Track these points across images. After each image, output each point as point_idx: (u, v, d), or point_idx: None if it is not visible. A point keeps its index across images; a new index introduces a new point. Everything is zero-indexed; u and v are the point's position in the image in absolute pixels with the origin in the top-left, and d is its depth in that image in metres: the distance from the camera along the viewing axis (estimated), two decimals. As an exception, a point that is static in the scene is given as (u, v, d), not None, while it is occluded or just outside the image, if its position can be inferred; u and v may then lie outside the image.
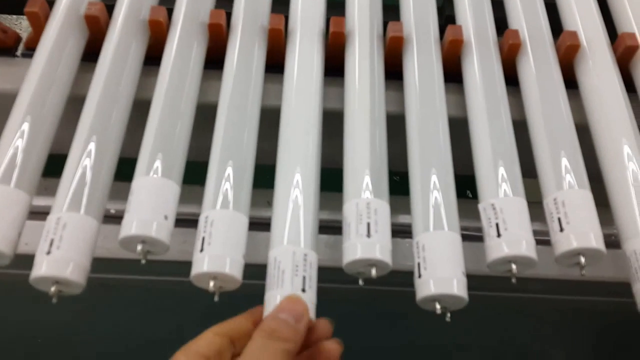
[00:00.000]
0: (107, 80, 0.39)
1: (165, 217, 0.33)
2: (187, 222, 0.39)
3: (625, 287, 0.37)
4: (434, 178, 0.37)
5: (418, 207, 0.37)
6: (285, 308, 0.30)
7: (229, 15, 0.44)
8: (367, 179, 0.37)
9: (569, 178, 0.38)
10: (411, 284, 0.35)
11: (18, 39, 0.46)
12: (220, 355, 0.29)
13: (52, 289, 0.31)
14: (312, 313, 0.31)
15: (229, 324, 0.30)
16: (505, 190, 0.37)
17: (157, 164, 0.35)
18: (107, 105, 0.38)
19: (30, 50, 0.44)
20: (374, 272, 0.34)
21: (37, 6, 0.42)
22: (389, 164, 0.39)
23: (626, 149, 0.40)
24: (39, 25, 0.42)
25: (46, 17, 0.42)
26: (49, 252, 0.31)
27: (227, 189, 0.35)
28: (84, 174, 0.35)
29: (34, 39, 0.43)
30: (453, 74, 0.45)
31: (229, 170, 0.36)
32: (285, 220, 0.34)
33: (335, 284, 0.39)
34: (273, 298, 0.31)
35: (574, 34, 0.45)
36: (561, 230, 0.36)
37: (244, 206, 0.35)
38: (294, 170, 0.37)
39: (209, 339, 0.29)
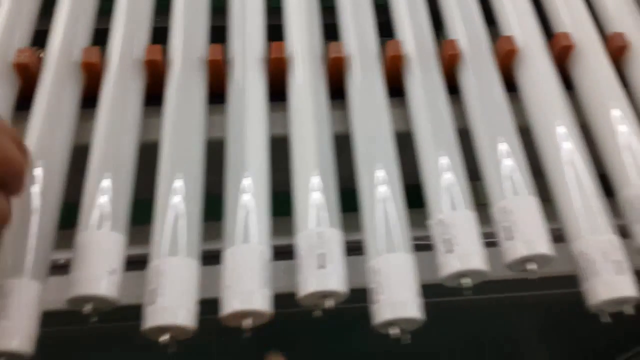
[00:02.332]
0: (43, 128, 0.38)
1: (113, 272, 0.33)
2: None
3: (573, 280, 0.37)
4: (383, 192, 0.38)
5: (371, 227, 0.37)
6: None
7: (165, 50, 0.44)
8: (319, 208, 0.36)
9: (515, 185, 0.38)
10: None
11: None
12: None
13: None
14: None
15: None
16: (453, 205, 0.37)
17: (102, 215, 0.35)
18: (44, 155, 0.37)
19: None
20: (329, 303, 0.34)
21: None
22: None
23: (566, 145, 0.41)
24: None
25: None
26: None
27: (175, 234, 0.34)
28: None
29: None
30: (397, 88, 0.45)
31: (179, 215, 0.35)
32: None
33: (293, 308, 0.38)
34: None
35: (509, 39, 0.46)
36: (510, 238, 0.36)
37: (195, 251, 0.34)
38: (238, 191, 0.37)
39: None
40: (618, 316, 0.36)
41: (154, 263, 0.33)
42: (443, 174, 0.39)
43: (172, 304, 0.31)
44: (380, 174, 0.39)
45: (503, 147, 0.40)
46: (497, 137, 0.41)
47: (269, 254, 0.35)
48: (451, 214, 0.37)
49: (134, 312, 0.36)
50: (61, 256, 0.39)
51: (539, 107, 0.43)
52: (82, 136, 0.40)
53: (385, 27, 0.49)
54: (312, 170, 0.38)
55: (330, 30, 0.49)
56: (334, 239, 0.35)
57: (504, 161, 0.40)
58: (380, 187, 0.38)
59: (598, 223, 0.37)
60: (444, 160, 0.39)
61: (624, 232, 0.38)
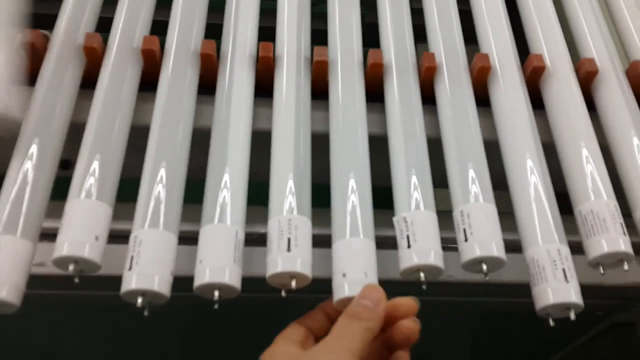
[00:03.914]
0: (43, 104, 0.41)
1: (97, 238, 0.35)
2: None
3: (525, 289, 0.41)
4: (352, 183, 0.41)
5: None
6: (365, 294, 0.35)
7: (162, 41, 0.47)
8: (291, 197, 0.39)
9: (474, 192, 0.41)
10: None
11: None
12: (306, 339, 0.35)
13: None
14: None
15: (308, 316, 0.37)
16: (417, 204, 0.40)
17: (90, 186, 0.37)
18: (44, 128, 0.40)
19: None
20: (294, 283, 0.37)
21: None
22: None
23: (529, 163, 0.44)
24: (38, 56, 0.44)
25: (44, 48, 0.45)
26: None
27: (157, 209, 0.37)
28: (20, 196, 0.37)
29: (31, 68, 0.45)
30: (376, 94, 0.48)
31: (160, 190, 0.38)
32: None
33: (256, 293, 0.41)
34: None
35: (485, 57, 0.49)
36: (466, 240, 0.39)
37: (173, 225, 0.37)
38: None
39: (298, 327, 0.35)
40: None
41: (135, 233, 0.36)
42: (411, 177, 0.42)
43: (147, 271, 0.34)
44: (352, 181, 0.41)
45: (468, 157, 0.43)
46: (466, 151, 0.44)
47: (242, 235, 0.38)
48: (415, 212, 0.40)
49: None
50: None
51: (507, 122, 0.46)
52: (80, 114, 0.43)
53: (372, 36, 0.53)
54: (288, 162, 0.41)
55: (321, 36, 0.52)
56: (303, 226, 0.38)
57: (468, 169, 0.43)
58: (351, 178, 0.41)
59: (550, 233, 0.40)
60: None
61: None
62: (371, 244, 0.38)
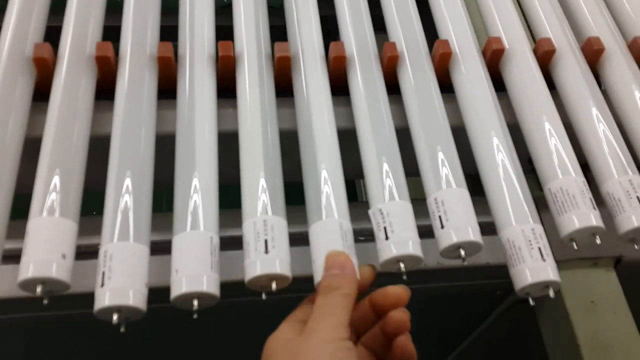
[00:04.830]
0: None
1: (63, 256, 0.34)
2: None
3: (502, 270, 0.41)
4: (324, 174, 0.41)
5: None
6: (329, 264, 0.35)
7: (117, 46, 0.45)
8: (264, 197, 0.39)
9: (446, 176, 0.41)
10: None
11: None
12: None
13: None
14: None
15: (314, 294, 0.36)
16: (391, 194, 0.40)
17: (53, 202, 0.36)
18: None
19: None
20: (274, 285, 0.36)
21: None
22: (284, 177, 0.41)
23: (495, 142, 0.44)
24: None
25: None
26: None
27: (125, 221, 0.36)
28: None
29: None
30: (340, 88, 0.48)
31: (127, 200, 0.37)
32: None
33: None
34: None
35: (445, 43, 0.49)
36: (442, 227, 0.39)
37: (144, 236, 0.36)
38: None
39: (306, 306, 0.35)
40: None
41: (104, 248, 0.35)
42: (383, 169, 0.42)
43: (121, 286, 0.33)
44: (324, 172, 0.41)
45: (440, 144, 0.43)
46: (434, 136, 0.44)
47: (217, 240, 0.37)
48: (390, 203, 0.40)
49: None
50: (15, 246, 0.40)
51: (472, 106, 0.47)
52: (35, 129, 0.41)
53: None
54: (258, 162, 0.40)
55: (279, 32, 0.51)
56: (279, 226, 0.37)
57: (438, 156, 0.43)
58: (323, 169, 0.40)
59: (523, 213, 0.41)
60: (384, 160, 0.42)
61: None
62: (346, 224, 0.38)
